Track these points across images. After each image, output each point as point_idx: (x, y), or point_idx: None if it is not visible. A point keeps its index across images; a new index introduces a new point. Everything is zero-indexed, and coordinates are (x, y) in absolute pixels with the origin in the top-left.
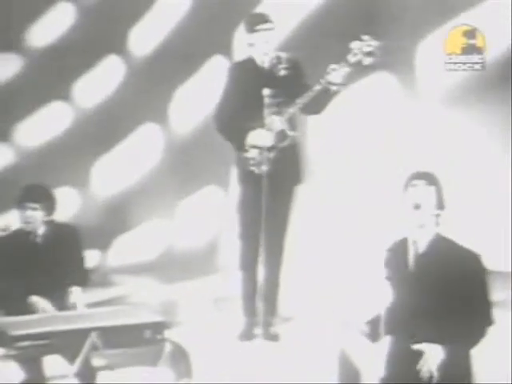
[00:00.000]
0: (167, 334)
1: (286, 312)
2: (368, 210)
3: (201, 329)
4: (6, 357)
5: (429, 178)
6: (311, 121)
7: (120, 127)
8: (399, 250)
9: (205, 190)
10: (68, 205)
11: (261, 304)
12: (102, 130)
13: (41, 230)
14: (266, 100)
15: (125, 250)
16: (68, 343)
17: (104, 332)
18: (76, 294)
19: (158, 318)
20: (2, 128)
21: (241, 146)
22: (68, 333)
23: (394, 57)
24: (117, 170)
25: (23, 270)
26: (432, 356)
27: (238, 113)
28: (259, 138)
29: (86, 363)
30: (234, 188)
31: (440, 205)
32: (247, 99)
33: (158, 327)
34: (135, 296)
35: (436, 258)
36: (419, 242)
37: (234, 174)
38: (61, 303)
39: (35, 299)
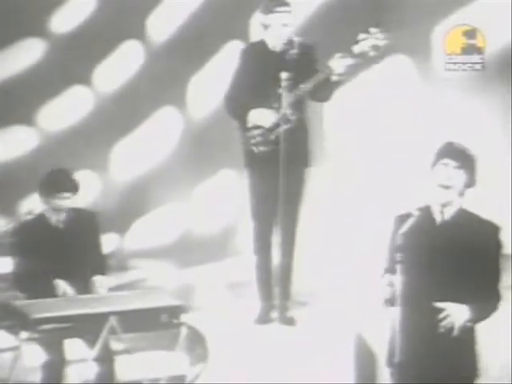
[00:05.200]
0: (184, 318)
1: (302, 296)
2: (384, 194)
3: (217, 313)
4: (29, 340)
5: (461, 159)
6: (327, 104)
7: (139, 111)
8: (420, 219)
9: (221, 173)
10: (87, 188)
11: (276, 288)
12: (121, 115)
13: (63, 215)
14: (275, 82)
15: (142, 233)
16: (88, 327)
17: (122, 316)
18: (100, 282)
19: (174, 302)
20: (25, 112)
21: (244, 125)
22: (88, 316)
23: (411, 41)
24: (135, 154)
25: (45, 254)
26: (457, 312)
27: (246, 93)
28: (260, 117)
29: (105, 347)
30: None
31: (470, 183)
32: (256, 81)
33: (175, 311)
34: (152, 280)
35: (458, 228)
36: (443, 214)
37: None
38: (81, 287)
39: (57, 282)
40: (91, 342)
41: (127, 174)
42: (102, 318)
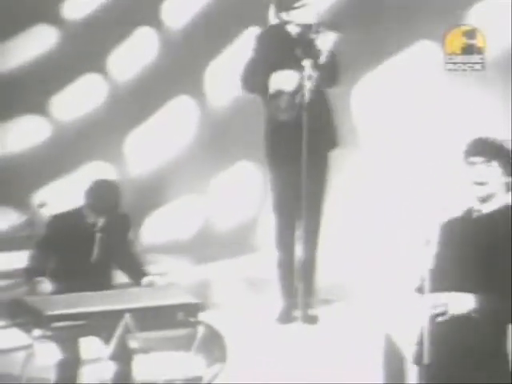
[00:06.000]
0: (201, 316)
1: (326, 293)
2: (415, 181)
3: (236, 311)
4: (42, 337)
5: (488, 153)
6: (356, 86)
7: (154, 101)
8: (459, 214)
9: (241, 164)
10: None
11: (299, 284)
12: (136, 104)
13: (101, 221)
14: (294, 65)
15: (158, 227)
16: (103, 324)
17: (137, 313)
18: (151, 281)
19: (191, 300)
20: (37, 101)
21: (266, 94)
22: (103, 314)
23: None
24: (150, 145)
25: (76, 251)
26: (456, 301)
27: (263, 71)
28: (283, 79)
29: (122, 345)
30: (266, 154)
31: (509, 172)
32: (274, 63)
33: (192, 309)
34: (168, 276)
35: (495, 223)
36: (481, 208)
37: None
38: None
39: (39, 279)
40: (107, 340)
41: (142, 165)
42: (117, 315)
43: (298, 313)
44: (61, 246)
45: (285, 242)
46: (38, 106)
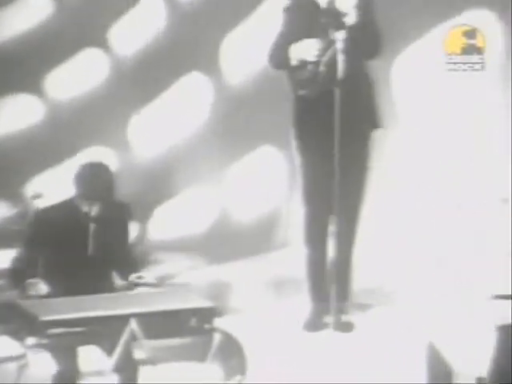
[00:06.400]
0: (217, 322)
1: (363, 297)
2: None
3: (258, 316)
4: (37, 346)
5: None
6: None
7: (162, 78)
8: None
9: (263, 149)
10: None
11: (332, 287)
12: (142, 81)
13: (95, 210)
14: (322, 35)
15: (168, 221)
16: (105, 331)
17: (144, 319)
18: (149, 279)
19: (206, 304)
20: (30, 79)
21: (290, 69)
22: (105, 319)
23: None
24: (158, 128)
25: (69, 246)
26: None
27: (290, 45)
28: (303, 47)
29: (126, 356)
30: (292, 136)
31: None
32: (301, 33)
33: (207, 314)
34: (180, 276)
35: None
36: None
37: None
38: (102, 287)
39: (31, 280)
40: (109, 350)
41: (148, 151)
42: (122, 320)
43: (329, 319)
44: (51, 242)
45: (315, 238)
46: (30, 84)
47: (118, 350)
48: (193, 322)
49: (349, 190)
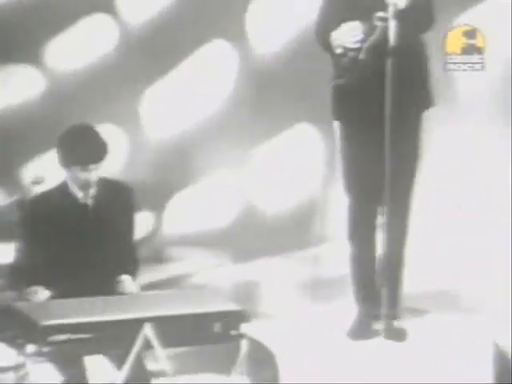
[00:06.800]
0: (244, 328)
1: (417, 301)
2: None
3: (292, 322)
4: (37, 355)
5: None
6: None
7: (179, 46)
8: None
9: (297, 128)
10: (111, 149)
11: (381, 289)
12: (155, 51)
13: (92, 190)
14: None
15: (185, 212)
16: (115, 338)
17: (160, 324)
18: (128, 284)
19: (231, 307)
20: (29, 48)
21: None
22: (114, 324)
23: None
24: (174, 104)
25: (65, 239)
26: None
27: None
28: (344, 32)
29: (139, 366)
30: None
31: None
32: (343, 15)
33: (232, 319)
34: (200, 276)
35: None
36: None
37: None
38: (106, 285)
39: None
40: (119, 360)
41: (163, 131)
42: (134, 326)
43: (379, 325)
44: (46, 237)
45: (362, 233)
46: (29, 54)
47: (130, 360)
48: (216, 327)
49: (399, 177)
